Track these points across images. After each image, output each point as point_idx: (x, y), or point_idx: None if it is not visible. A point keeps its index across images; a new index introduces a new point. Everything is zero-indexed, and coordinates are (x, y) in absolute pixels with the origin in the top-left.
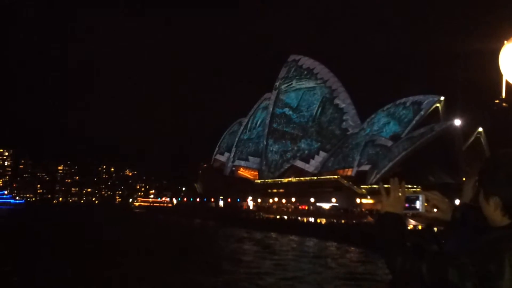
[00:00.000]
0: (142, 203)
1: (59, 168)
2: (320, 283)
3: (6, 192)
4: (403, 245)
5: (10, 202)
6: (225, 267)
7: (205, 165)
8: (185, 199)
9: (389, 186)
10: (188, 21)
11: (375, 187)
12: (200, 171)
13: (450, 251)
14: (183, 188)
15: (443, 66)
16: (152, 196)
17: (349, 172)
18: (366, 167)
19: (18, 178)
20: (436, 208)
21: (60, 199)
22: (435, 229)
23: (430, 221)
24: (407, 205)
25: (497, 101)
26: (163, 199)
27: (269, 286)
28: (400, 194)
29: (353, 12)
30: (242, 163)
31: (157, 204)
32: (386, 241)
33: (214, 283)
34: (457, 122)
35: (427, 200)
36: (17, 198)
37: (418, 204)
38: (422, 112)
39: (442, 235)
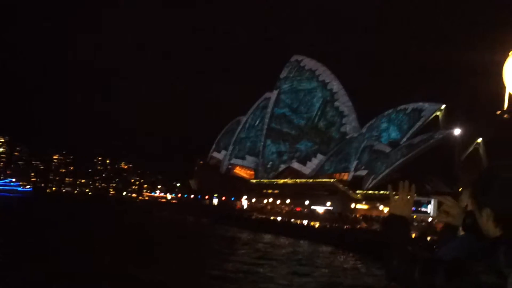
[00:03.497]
0: (146, 198)
1: (54, 157)
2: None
3: (13, 180)
4: (403, 248)
5: (17, 189)
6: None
7: (201, 162)
8: (179, 195)
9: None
10: (188, 16)
11: (370, 193)
12: (196, 168)
13: (442, 256)
14: (178, 184)
15: (446, 74)
16: (147, 191)
17: (346, 176)
18: (363, 172)
19: (12, 166)
20: (447, 213)
21: (54, 188)
22: (428, 238)
23: (424, 229)
24: (416, 208)
25: (499, 112)
26: (158, 194)
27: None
28: (408, 197)
29: (356, 16)
30: (239, 161)
31: (163, 200)
32: (389, 242)
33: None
34: (457, 131)
35: (439, 205)
36: (28, 186)
37: (429, 208)
38: (422, 120)
39: (437, 242)
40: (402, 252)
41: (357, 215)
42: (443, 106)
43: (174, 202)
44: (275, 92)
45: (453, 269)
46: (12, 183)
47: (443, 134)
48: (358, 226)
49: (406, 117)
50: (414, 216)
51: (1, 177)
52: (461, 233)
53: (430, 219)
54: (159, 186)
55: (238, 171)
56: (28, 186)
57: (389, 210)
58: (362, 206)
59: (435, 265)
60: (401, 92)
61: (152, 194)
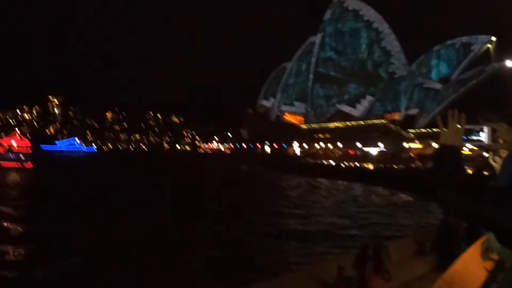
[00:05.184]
0: (201, 150)
1: (108, 115)
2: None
3: (77, 139)
4: (455, 178)
5: (82, 150)
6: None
7: (250, 111)
8: (231, 145)
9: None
10: None
11: (423, 131)
12: (245, 117)
13: (496, 182)
14: (229, 134)
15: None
16: (201, 142)
17: (397, 116)
18: (414, 111)
19: (68, 126)
20: (503, 141)
21: (110, 145)
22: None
23: (480, 165)
24: (468, 137)
25: None
26: (212, 146)
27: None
28: (458, 126)
29: None
30: (288, 108)
31: (218, 151)
32: (440, 173)
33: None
34: (509, 63)
35: (493, 131)
36: (93, 145)
37: (483, 136)
38: (472, 54)
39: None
40: (454, 182)
41: (411, 155)
42: (494, 38)
43: (227, 153)
44: (319, 36)
45: (505, 195)
46: (75, 143)
47: (495, 67)
48: (413, 166)
49: (455, 52)
50: (468, 152)
51: (59, 138)
52: None
53: (486, 155)
54: (215, 137)
55: (288, 117)
56: (93, 146)
57: (439, 141)
58: (415, 145)
59: (487, 193)
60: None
61: (205, 146)
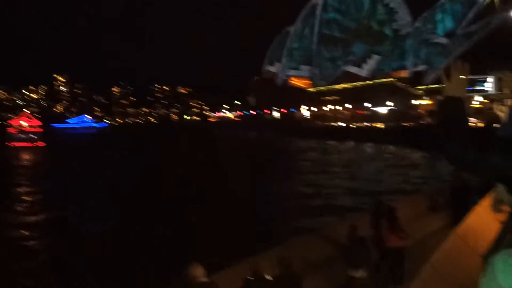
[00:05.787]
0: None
1: (114, 89)
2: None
3: (87, 116)
4: (460, 128)
5: (94, 126)
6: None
7: (256, 77)
8: (239, 112)
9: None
10: None
11: (432, 87)
12: (252, 84)
13: (502, 132)
14: (236, 102)
15: None
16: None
17: (404, 73)
18: (421, 67)
19: (76, 103)
20: (509, 90)
21: (119, 120)
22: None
23: (491, 117)
24: (472, 87)
25: None
26: (219, 114)
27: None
28: (462, 76)
29: None
30: (294, 72)
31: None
32: (444, 125)
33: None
34: None
35: (499, 80)
36: (105, 120)
37: (488, 86)
38: (477, 5)
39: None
40: (459, 132)
41: (421, 111)
42: None
43: (237, 120)
44: None
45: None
46: (86, 120)
47: (502, 18)
48: (422, 122)
49: (460, 5)
50: (474, 105)
51: (68, 116)
52: None
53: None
54: (223, 105)
55: (294, 81)
56: (106, 121)
57: (443, 93)
58: (424, 101)
59: (492, 143)
60: None
61: (214, 114)
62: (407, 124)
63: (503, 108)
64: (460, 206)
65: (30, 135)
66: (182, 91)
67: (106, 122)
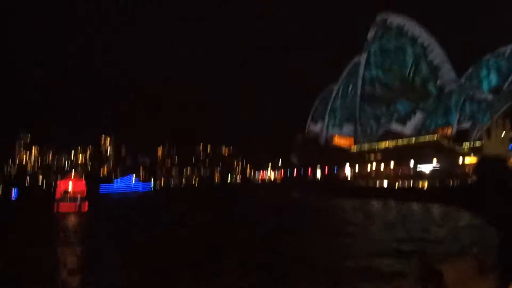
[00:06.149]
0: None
1: (159, 150)
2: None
3: (134, 176)
4: (501, 186)
5: (138, 189)
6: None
7: (299, 136)
8: (282, 172)
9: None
10: None
11: (478, 145)
12: (295, 142)
13: None
14: (280, 160)
15: None
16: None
17: (449, 131)
18: (467, 125)
19: (121, 164)
20: None
21: (163, 180)
22: None
23: None
24: None
25: None
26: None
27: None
28: (503, 134)
29: None
30: (337, 131)
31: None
32: (483, 184)
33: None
34: None
35: None
36: (150, 181)
37: None
38: None
39: None
40: (498, 192)
41: (467, 170)
42: None
43: (278, 181)
44: (364, 55)
45: None
46: (132, 181)
47: None
48: (470, 180)
49: (505, 61)
50: None
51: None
52: None
53: None
54: (266, 164)
55: (337, 140)
56: (151, 182)
57: (483, 151)
58: (470, 159)
59: None
60: (495, 35)
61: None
62: (452, 183)
63: None
64: (507, 269)
65: (75, 198)
66: (225, 150)
67: (151, 184)
